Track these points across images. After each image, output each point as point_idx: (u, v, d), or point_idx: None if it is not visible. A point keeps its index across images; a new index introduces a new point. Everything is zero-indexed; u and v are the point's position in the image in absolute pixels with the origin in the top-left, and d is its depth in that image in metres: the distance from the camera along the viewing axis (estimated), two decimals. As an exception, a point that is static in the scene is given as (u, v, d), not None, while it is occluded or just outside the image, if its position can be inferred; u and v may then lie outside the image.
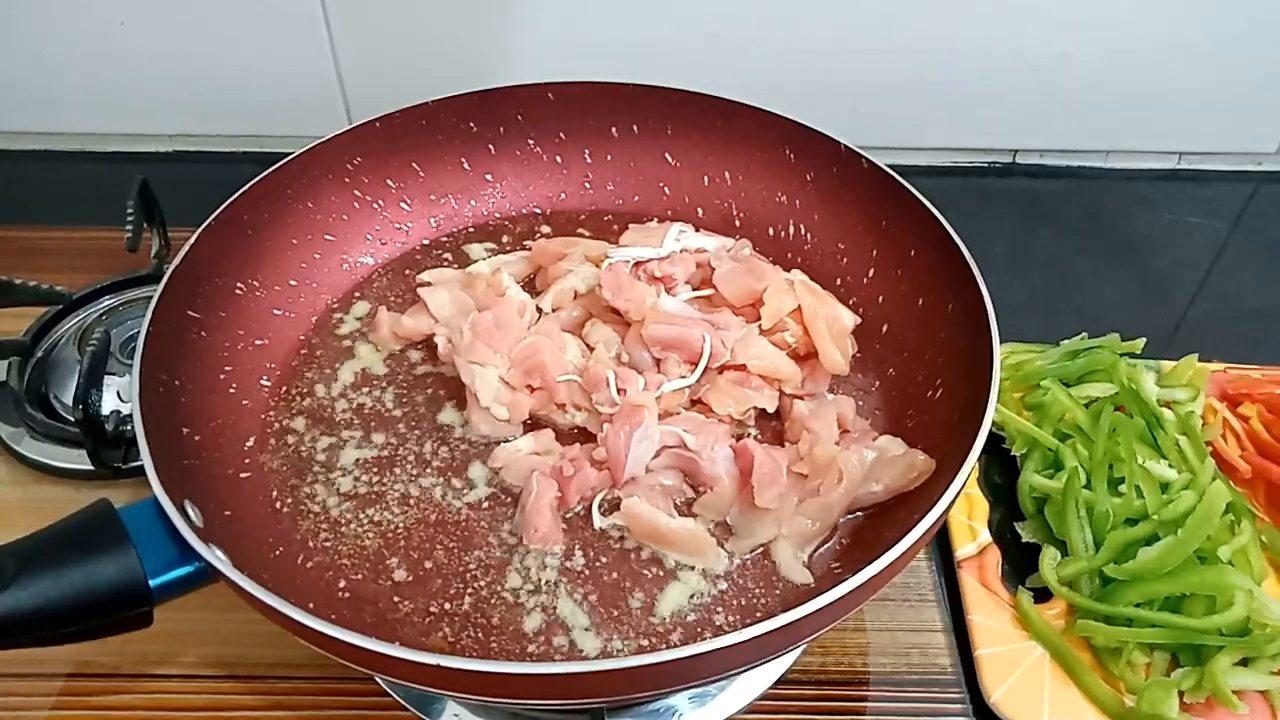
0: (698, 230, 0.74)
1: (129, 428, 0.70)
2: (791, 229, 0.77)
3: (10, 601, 0.47)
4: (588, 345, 0.67)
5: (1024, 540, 0.69)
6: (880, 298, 0.70)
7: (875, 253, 0.72)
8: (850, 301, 0.71)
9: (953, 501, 0.50)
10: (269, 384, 0.68)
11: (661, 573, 0.57)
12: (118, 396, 0.76)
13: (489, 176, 0.81)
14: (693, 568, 0.58)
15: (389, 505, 0.61)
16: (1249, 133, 1.04)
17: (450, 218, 0.80)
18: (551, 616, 0.55)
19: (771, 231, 0.77)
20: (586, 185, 0.82)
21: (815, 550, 0.58)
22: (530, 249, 0.76)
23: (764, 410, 0.65)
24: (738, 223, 0.79)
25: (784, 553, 0.58)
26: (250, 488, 0.61)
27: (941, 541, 0.70)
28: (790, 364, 0.65)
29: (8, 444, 0.75)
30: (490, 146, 0.80)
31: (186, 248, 0.64)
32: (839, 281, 0.72)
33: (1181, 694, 0.59)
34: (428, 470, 0.63)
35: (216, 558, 0.47)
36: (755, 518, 0.59)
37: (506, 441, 0.63)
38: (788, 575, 0.57)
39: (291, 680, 0.63)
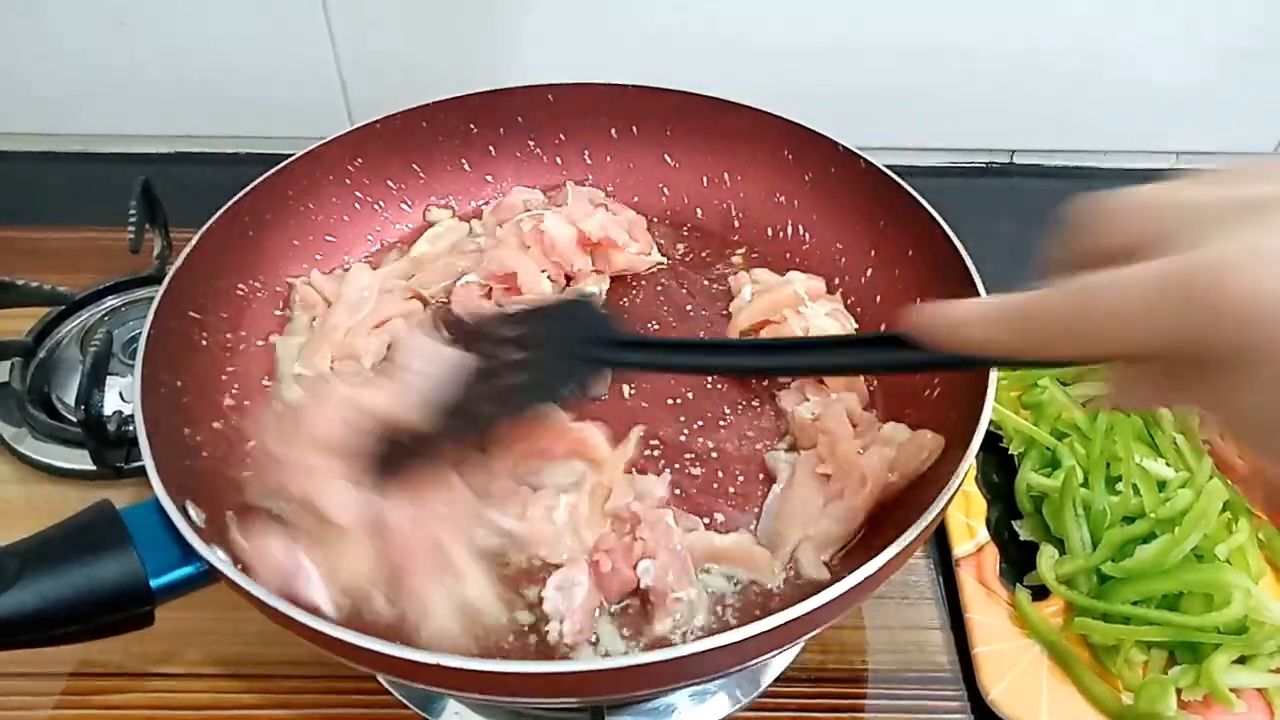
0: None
1: (131, 428, 0.70)
2: (790, 229, 0.77)
3: (12, 602, 0.47)
4: None
5: (1022, 538, 0.69)
6: (878, 297, 0.71)
7: (873, 252, 0.72)
8: (849, 301, 0.71)
9: (950, 500, 0.50)
10: (271, 384, 0.68)
11: (661, 572, 0.57)
12: (120, 397, 0.76)
13: (489, 178, 0.81)
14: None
15: (390, 505, 0.61)
16: (1246, 132, 1.04)
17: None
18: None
19: (770, 231, 0.78)
20: (586, 186, 0.82)
21: (837, 553, 0.58)
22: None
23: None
24: (736, 223, 0.79)
25: (807, 556, 0.57)
26: (252, 488, 0.61)
27: (939, 540, 0.70)
28: None
29: (10, 444, 0.75)
30: (490, 148, 0.80)
31: (188, 249, 0.64)
32: (837, 280, 0.73)
33: (1179, 691, 0.59)
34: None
35: (218, 558, 0.48)
36: (782, 527, 0.58)
37: None
38: (809, 577, 0.56)
39: (294, 679, 0.63)
